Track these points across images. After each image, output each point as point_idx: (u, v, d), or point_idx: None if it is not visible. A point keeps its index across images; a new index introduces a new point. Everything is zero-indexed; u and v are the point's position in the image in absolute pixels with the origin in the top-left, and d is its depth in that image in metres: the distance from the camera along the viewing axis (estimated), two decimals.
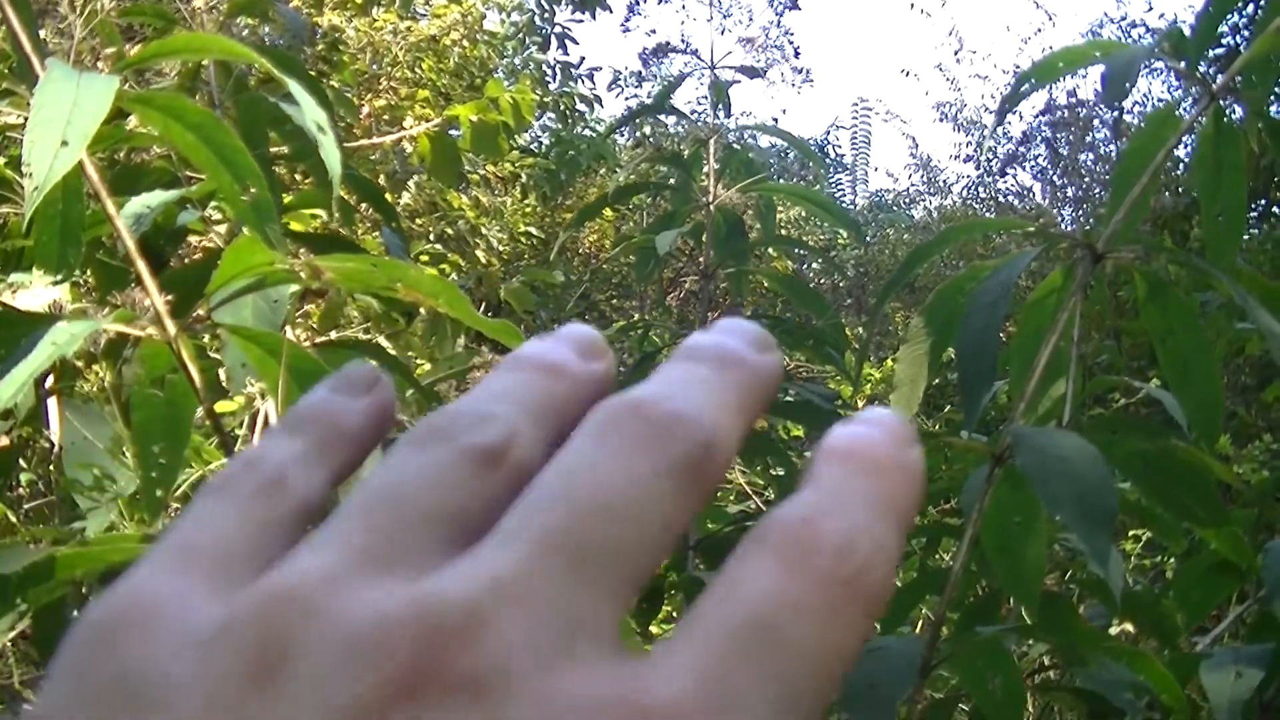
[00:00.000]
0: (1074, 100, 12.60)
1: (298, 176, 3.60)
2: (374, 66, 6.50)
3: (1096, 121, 12.45)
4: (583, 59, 9.89)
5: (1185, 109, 1.72)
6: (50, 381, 1.98)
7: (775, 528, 0.31)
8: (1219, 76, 1.67)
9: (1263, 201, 8.70)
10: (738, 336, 0.37)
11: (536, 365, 0.37)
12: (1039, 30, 19.27)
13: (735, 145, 3.31)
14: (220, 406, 2.31)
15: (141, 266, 1.39)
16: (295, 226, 2.17)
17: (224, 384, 1.98)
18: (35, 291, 1.59)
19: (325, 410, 0.38)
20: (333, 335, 3.13)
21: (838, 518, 0.31)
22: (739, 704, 0.28)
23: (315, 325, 3.25)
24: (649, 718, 0.27)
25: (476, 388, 0.36)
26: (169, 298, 1.39)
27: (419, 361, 3.28)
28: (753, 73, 3.44)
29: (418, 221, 6.69)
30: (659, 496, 0.31)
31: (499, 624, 0.28)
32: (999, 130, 12.49)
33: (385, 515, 0.32)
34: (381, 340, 3.09)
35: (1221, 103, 1.67)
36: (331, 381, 0.39)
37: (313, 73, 3.08)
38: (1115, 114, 11.35)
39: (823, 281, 11.24)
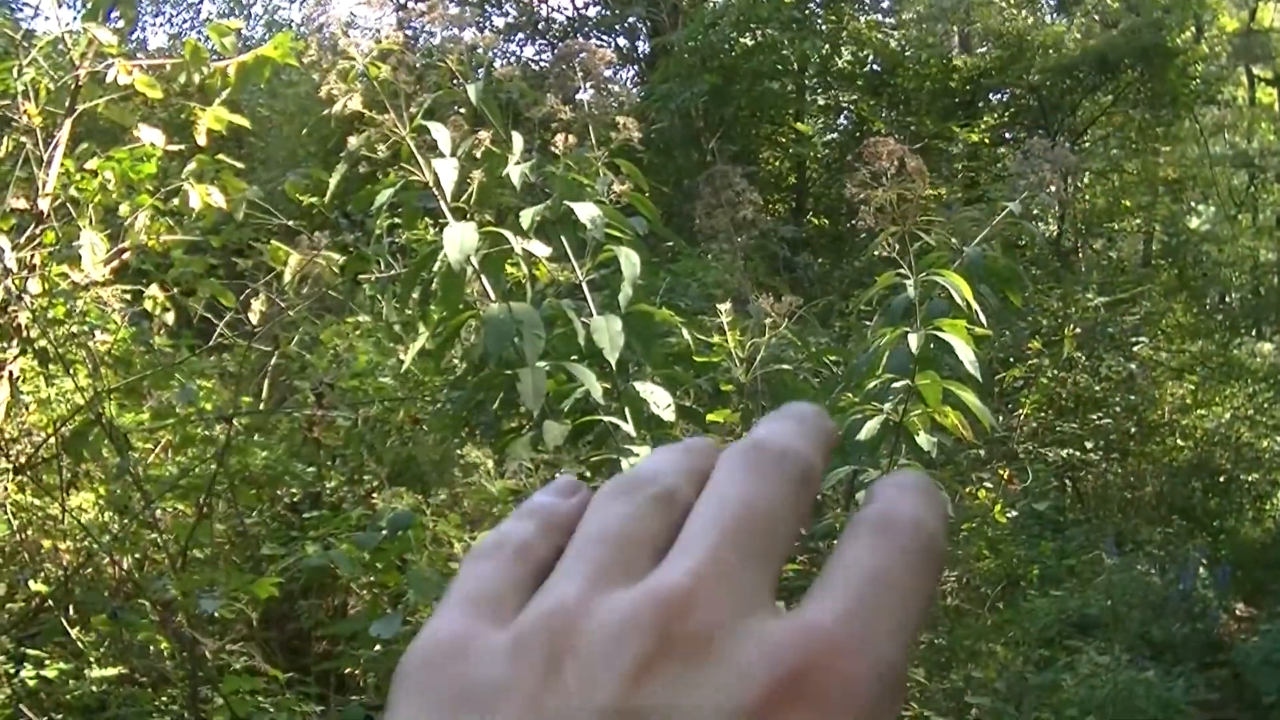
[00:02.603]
0: None
1: None
2: None
3: None
4: None
5: None
6: None
7: (868, 514, 0.49)
8: None
9: None
10: (808, 408, 0.54)
11: (681, 448, 0.54)
12: None
13: None
14: None
15: None
16: None
17: None
18: None
19: (547, 506, 0.55)
20: None
21: (908, 506, 0.49)
22: (870, 624, 0.45)
23: None
24: (812, 632, 0.44)
25: (644, 460, 0.54)
26: None
27: None
28: None
29: None
30: (786, 499, 0.49)
31: (702, 598, 0.44)
32: None
33: (605, 547, 0.49)
34: None
35: None
36: (548, 489, 0.56)
37: None
38: None
39: None
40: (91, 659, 4.96)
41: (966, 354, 4.35)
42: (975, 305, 4.47)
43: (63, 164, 5.41)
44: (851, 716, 0.43)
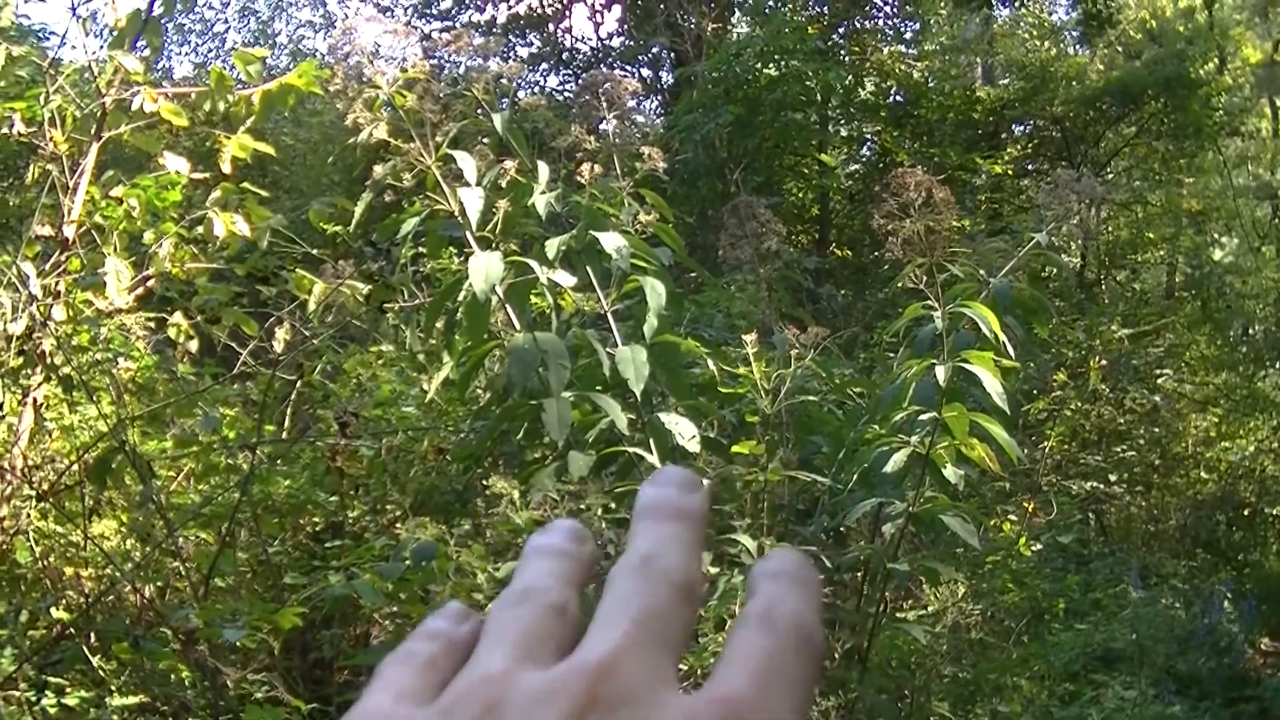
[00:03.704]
0: None
1: None
2: None
3: None
4: None
5: None
6: None
7: (753, 611, 0.53)
8: None
9: None
10: (675, 487, 0.59)
11: (555, 553, 0.58)
12: None
13: None
14: None
15: None
16: None
17: None
18: None
19: (447, 630, 0.58)
20: None
21: (787, 604, 0.54)
22: (774, 696, 0.49)
23: None
24: (728, 700, 0.48)
25: (524, 568, 0.58)
26: None
27: None
28: None
29: None
30: (676, 606, 0.53)
31: (625, 666, 0.49)
32: None
33: (518, 635, 0.53)
34: None
35: None
36: (442, 613, 0.60)
37: None
38: None
39: None
40: (113, 687, 4.94)
41: (994, 386, 4.33)
42: (1002, 337, 4.45)
43: (88, 191, 5.42)
44: None
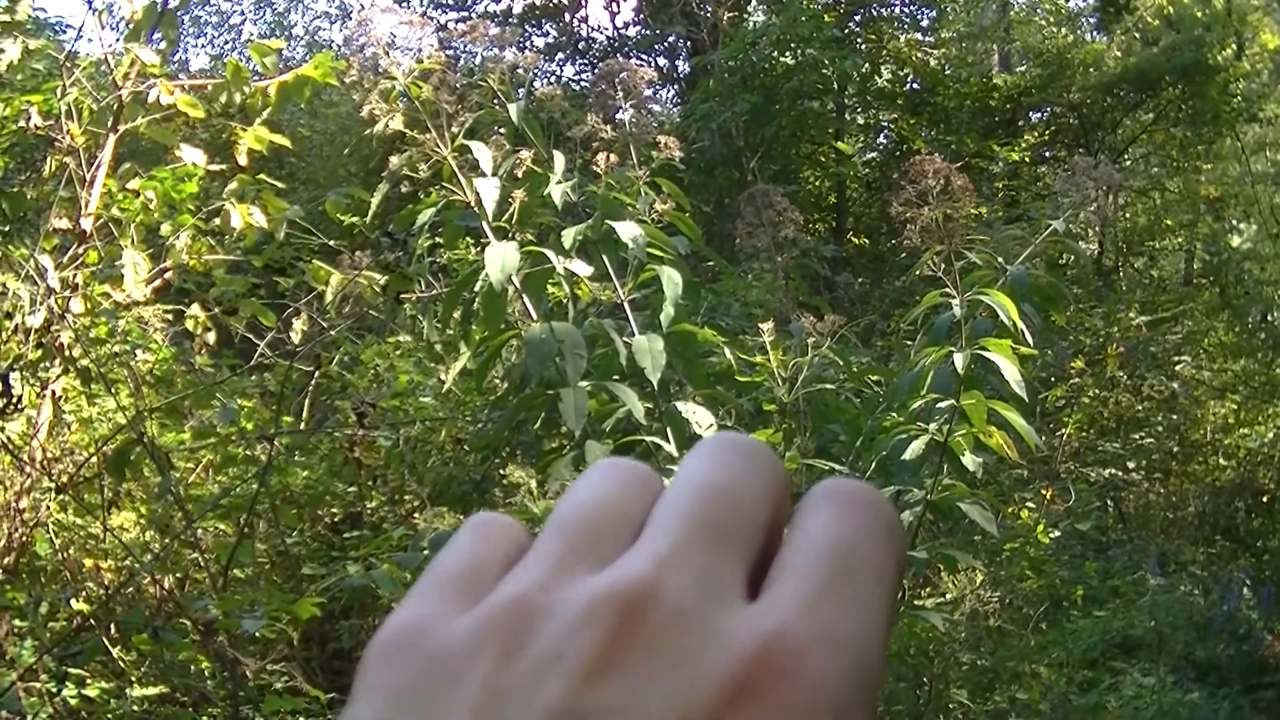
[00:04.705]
0: None
1: None
2: None
3: None
4: None
5: None
6: None
7: (823, 489, 0.47)
8: None
9: None
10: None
11: (626, 466, 0.51)
12: None
13: None
14: None
15: None
16: None
17: None
18: None
19: None
20: None
21: (864, 488, 0.47)
22: (839, 614, 0.43)
23: None
24: (775, 632, 0.42)
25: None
26: None
27: None
28: None
29: None
30: (757, 484, 0.47)
31: (665, 588, 0.43)
32: None
33: (579, 527, 0.47)
34: None
35: None
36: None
37: None
38: None
39: None
40: (133, 678, 4.97)
41: (1012, 373, 4.32)
42: (1021, 324, 4.45)
43: (105, 184, 5.43)
44: None
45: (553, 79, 19.16)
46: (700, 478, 0.47)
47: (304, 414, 6.56)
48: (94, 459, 5.46)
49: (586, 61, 20.20)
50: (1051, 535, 8.56)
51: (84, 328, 5.32)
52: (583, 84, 17.88)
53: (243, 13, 26.45)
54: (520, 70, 4.84)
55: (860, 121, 19.03)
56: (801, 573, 0.44)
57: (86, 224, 5.40)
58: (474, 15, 18.15)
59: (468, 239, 5.46)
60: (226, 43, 24.82)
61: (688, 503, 0.46)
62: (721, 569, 0.44)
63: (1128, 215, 16.72)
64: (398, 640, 0.45)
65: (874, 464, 4.81)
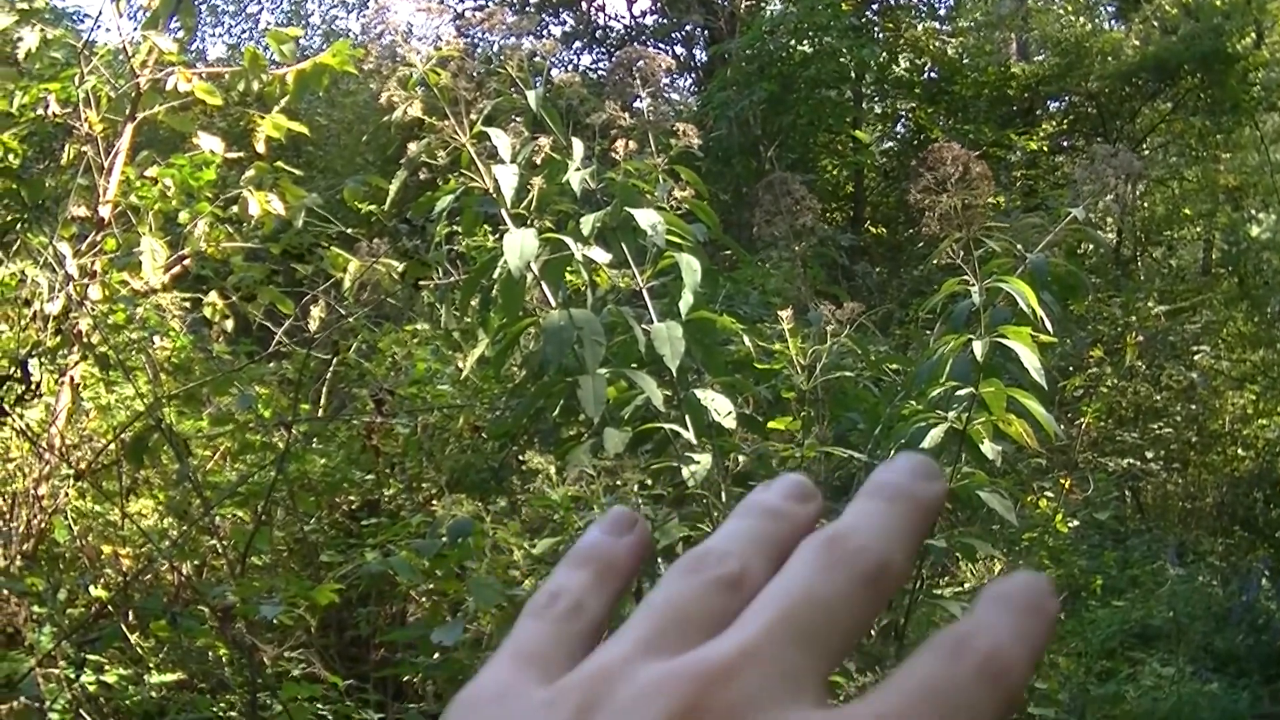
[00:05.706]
0: None
1: None
2: None
3: None
4: None
5: None
6: None
7: (951, 630, 0.46)
8: None
9: None
10: (908, 472, 0.52)
11: (763, 512, 0.53)
12: None
13: None
14: None
15: None
16: None
17: None
18: None
19: (601, 549, 0.55)
20: None
21: (996, 630, 0.46)
22: None
23: None
24: None
25: (722, 527, 0.53)
26: None
27: None
28: None
29: None
30: (851, 598, 0.47)
31: (743, 675, 0.44)
32: None
33: (661, 618, 0.48)
34: None
35: None
36: (603, 523, 0.55)
37: None
38: None
39: None
40: (151, 665, 4.97)
41: (1032, 361, 4.31)
42: (1040, 312, 4.43)
43: (123, 171, 5.44)
44: None
45: (570, 67, 19.15)
46: (799, 582, 0.48)
47: (322, 401, 6.56)
48: (112, 446, 5.47)
49: (604, 50, 20.18)
50: (1070, 525, 8.54)
51: (102, 315, 5.33)
52: (599, 73, 17.86)
53: (260, 1, 26.45)
54: (538, 58, 4.84)
55: (878, 110, 18.98)
56: (890, 697, 0.44)
57: (105, 211, 5.40)
58: (491, 3, 18.14)
59: (486, 226, 5.47)
60: (244, 31, 24.81)
61: (781, 604, 0.47)
62: (801, 669, 0.45)
63: (1146, 204, 16.67)
64: (481, 701, 0.48)
65: (892, 452, 4.80)
